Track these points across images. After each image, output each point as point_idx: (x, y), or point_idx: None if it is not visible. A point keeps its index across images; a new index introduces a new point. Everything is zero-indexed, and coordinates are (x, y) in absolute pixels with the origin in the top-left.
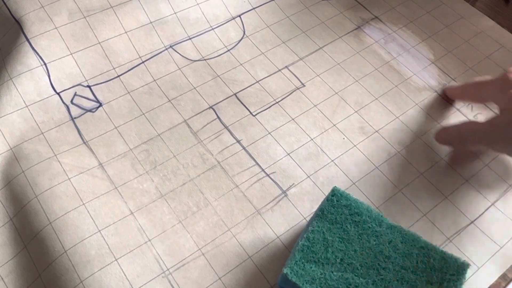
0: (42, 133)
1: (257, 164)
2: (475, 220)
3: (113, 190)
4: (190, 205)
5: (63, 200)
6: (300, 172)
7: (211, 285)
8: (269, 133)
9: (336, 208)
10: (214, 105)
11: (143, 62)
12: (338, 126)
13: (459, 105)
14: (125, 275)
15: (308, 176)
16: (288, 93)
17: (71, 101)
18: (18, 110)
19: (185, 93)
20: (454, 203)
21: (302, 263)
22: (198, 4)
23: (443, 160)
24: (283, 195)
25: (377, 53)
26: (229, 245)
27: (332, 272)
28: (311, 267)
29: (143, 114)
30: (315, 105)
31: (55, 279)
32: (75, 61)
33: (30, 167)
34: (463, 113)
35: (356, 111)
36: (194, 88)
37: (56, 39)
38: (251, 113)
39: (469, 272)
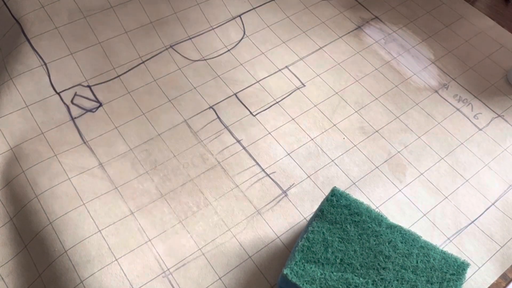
0: (42, 133)
1: (257, 164)
2: (475, 220)
3: (113, 190)
4: (190, 205)
5: (63, 200)
6: (300, 172)
7: (211, 285)
8: (269, 133)
9: (336, 208)
10: (214, 105)
11: (143, 62)
12: (338, 126)
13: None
14: (125, 275)
15: (308, 176)
16: (288, 93)
17: (71, 101)
18: (18, 110)
19: (185, 93)
20: (454, 203)
21: (302, 263)
22: (198, 4)
23: (443, 160)
24: (283, 195)
25: (377, 53)
26: (229, 245)
27: (332, 272)
28: (311, 268)
29: (143, 114)
30: (315, 105)
31: (55, 279)
32: (75, 61)
33: (30, 167)
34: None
35: (356, 111)
36: (194, 88)
37: (56, 39)
38: (251, 113)
39: (469, 272)
